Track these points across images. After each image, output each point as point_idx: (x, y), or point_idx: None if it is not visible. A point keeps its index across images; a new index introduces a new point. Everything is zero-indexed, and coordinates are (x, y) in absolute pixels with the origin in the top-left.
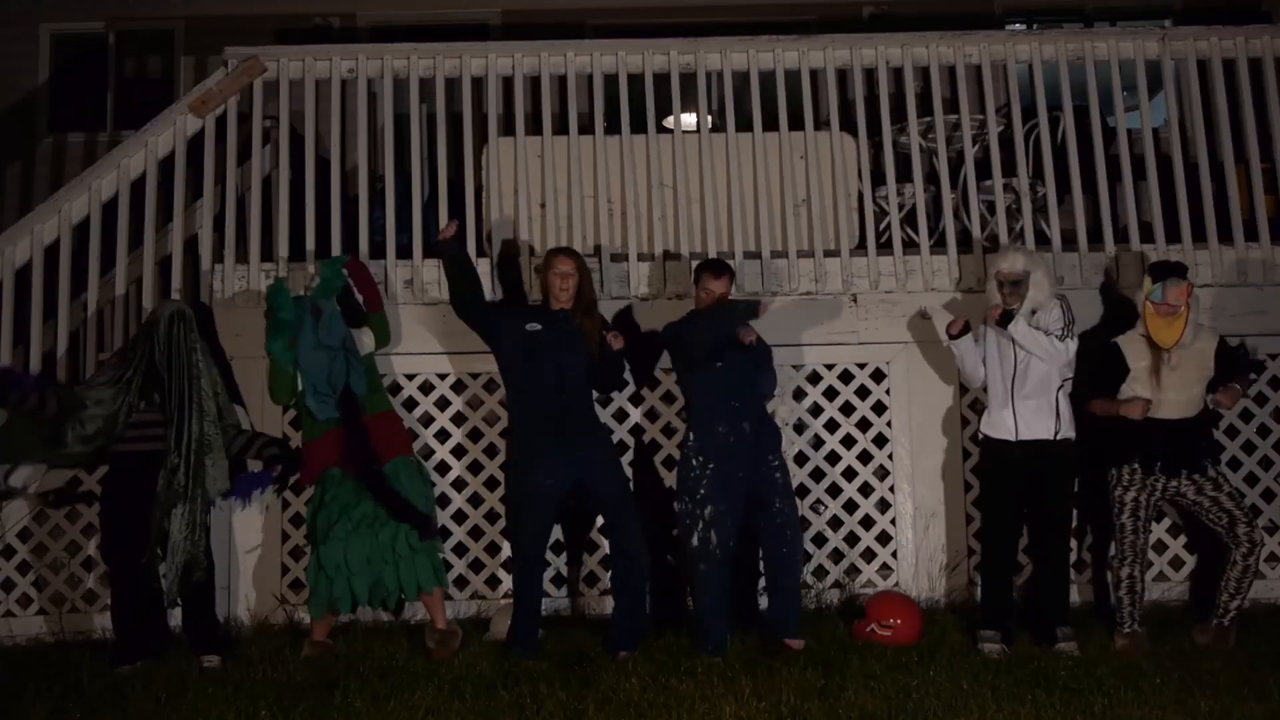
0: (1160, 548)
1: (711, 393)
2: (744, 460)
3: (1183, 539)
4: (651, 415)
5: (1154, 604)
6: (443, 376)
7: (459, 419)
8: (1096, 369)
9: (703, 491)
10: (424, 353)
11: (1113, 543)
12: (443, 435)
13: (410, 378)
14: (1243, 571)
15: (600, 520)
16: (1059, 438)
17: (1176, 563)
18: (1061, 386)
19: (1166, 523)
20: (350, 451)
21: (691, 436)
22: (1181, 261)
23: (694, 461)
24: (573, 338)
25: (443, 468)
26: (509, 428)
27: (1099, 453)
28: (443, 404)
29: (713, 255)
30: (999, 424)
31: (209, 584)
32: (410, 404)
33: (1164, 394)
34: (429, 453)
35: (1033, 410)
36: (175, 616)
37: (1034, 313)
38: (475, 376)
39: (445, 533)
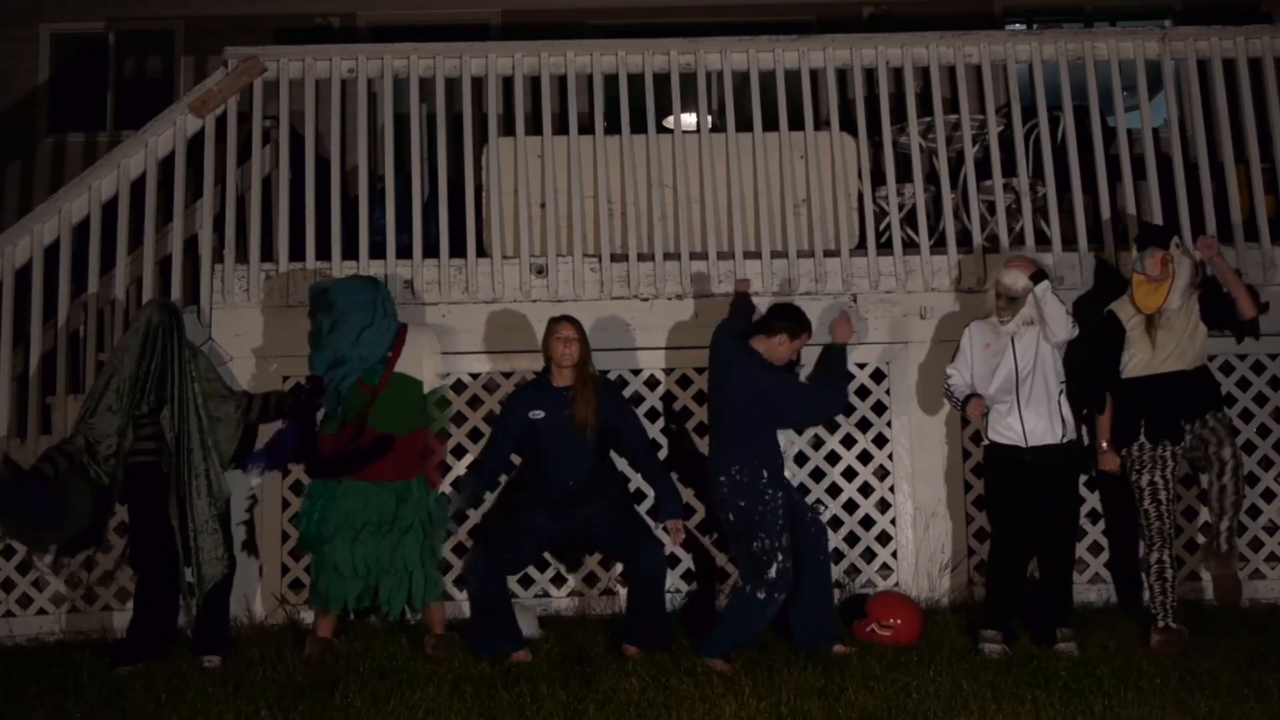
0: None
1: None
2: (786, 488)
3: (1183, 538)
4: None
5: None
6: (443, 376)
7: (459, 419)
8: (1096, 338)
9: (780, 523)
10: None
11: (1141, 531)
12: (442, 435)
13: None
14: (1219, 492)
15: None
16: (1065, 440)
17: (1175, 562)
18: (1061, 390)
19: None
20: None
21: (765, 474)
22: (1162, 226)
23: (769, 494)
24: (571, 420)
25: (442, 468)
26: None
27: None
28: (441, 404)
29: (713, 256)
30: (1008, 430)
31: (227, 586)
32: None
33: (1158, 351)
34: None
35: (1040, 417)
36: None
37: (1028, 323)
38: (475, 376)
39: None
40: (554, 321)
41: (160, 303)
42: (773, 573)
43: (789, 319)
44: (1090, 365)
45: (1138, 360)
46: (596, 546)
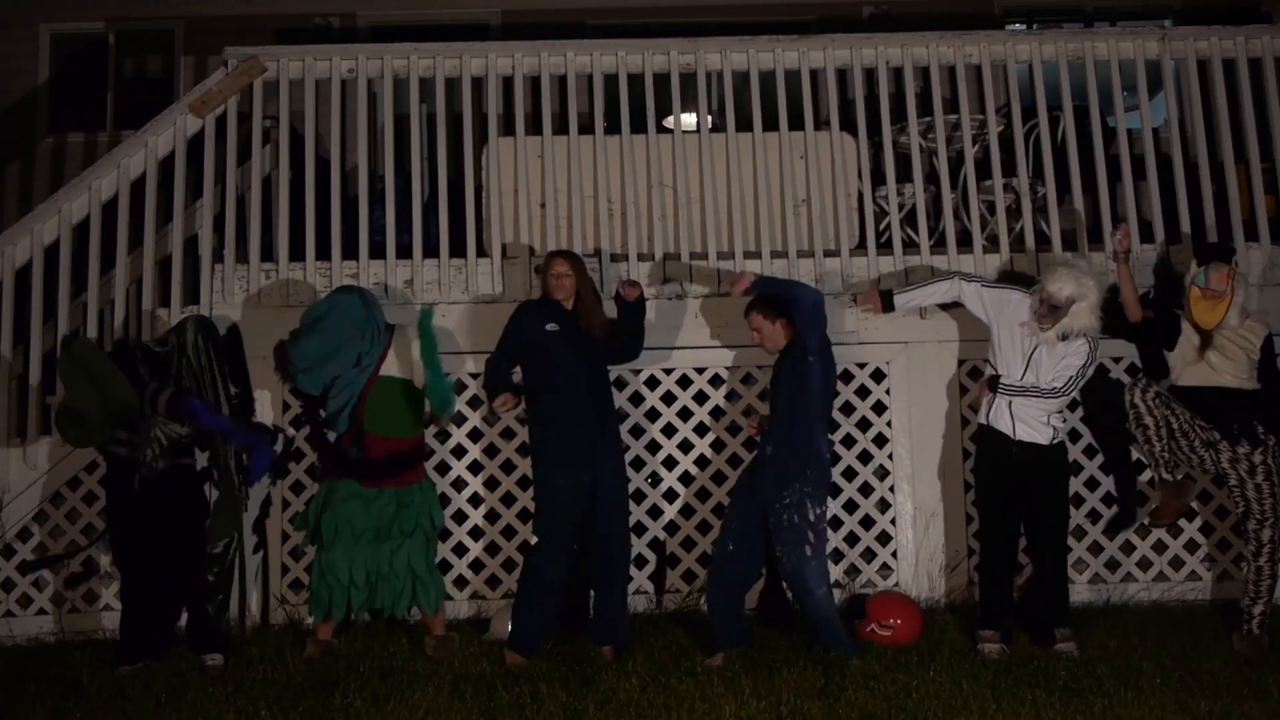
0: (1160, 548)
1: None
2: (759, 476)
3: (1184, 538)
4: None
5: (1154, 604)
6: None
7: (459, 419)
8: (1162, 334)
9: (730, 494)
10: None
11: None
12: (442, 435)
13: None
14: (1256, 573)
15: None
16: (1054, 443)
17: (1176, 562)
18: (1062, 409)
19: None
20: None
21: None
22: (1229, 244)
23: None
24: (583, 335)
25: (442, 468)
26: (530, 420)
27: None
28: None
29: (713, 255)
30: (1000, 416)
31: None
32: None
33: (1215, 365)
34: (429, 453)
35: (1030, 418)
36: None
37: (1064, 337)
38: (475, 377)
39: (445, 533)
40: (549, 258)
41: (197, 320)
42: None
43: None
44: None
45: (1193, 371)
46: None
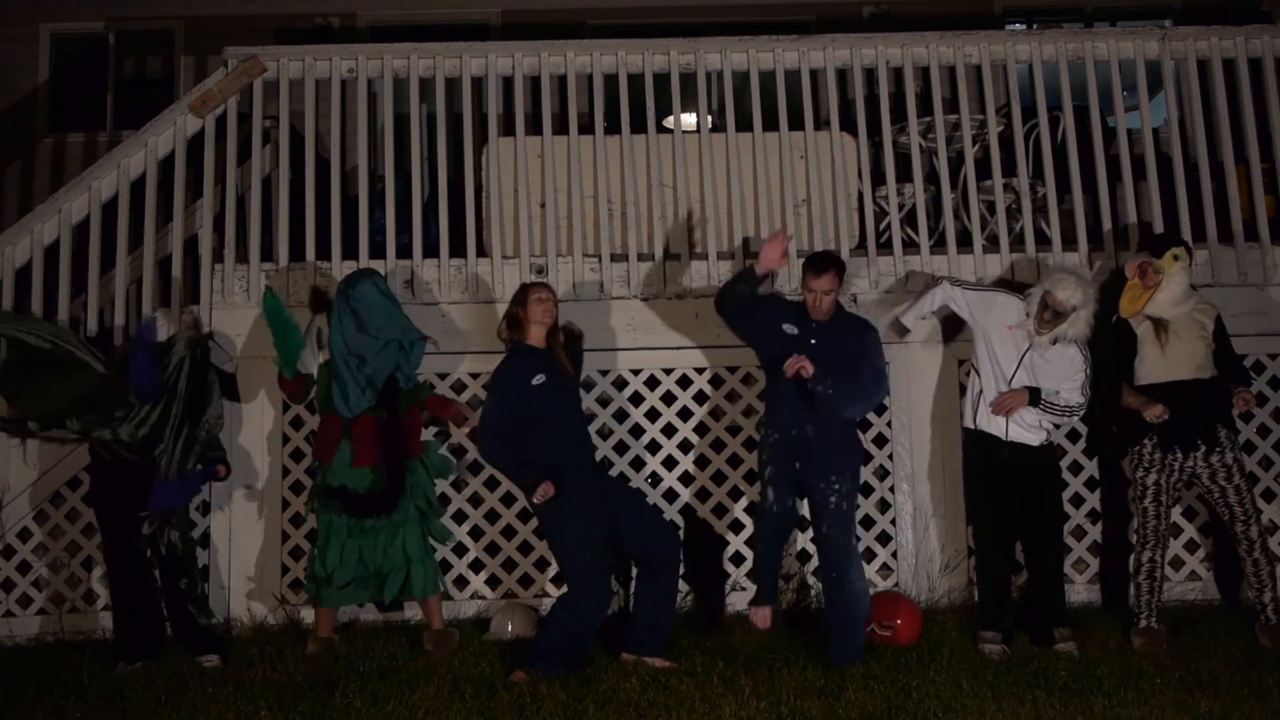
0: None
1: (789, 386)
2: (800, 455)
3: (1184, 537)
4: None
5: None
6: (443, 376)
7: (458, 419)
8: (1114, 347)
9: (765, 455)
10: (425, 353)
11: (1135, 527)
12: (443, 435)
13: None
14: (1254, 566)
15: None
16: (1043, 444)
17: (1176, 563)
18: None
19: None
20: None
21: (766, 414)
22: (1162, 234)
23: (764, 431)
24: (564, 379)
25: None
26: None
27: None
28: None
29: (713, 255)
30: (991, 419)
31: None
32: None
33: (1169, 358)
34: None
35: (1019, 425)
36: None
37: (1054, 342)
38: (475, 377)
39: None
40: (528, 287)
41: (191, 338)
42: (758, 497)
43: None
44: (1107, 372)
45: (1150, 366)
46: (617, 526)
